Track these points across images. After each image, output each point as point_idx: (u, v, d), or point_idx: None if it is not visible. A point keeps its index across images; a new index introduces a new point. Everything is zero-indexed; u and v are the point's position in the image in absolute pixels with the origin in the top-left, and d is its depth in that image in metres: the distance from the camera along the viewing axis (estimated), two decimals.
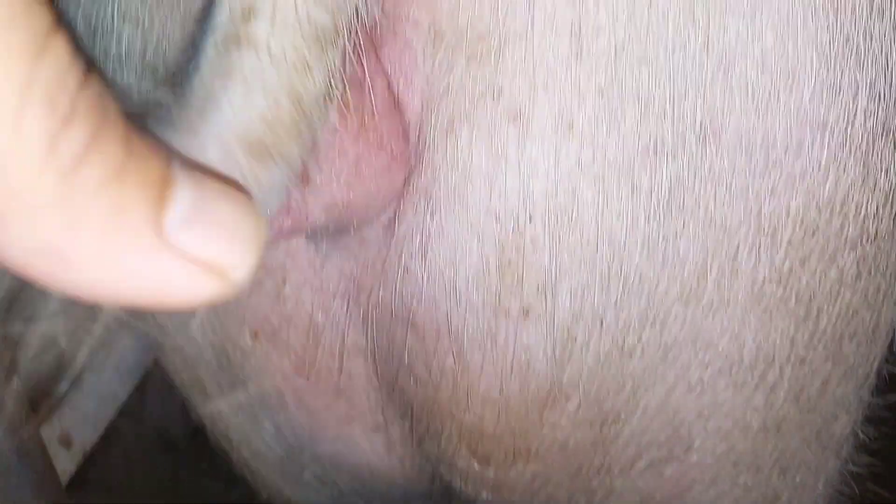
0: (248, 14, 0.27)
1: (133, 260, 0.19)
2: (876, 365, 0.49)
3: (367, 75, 0.39)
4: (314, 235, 0.45)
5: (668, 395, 0.44)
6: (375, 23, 0.39)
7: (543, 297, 0.40)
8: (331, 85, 0.30)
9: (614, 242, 0.38)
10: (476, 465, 0.47)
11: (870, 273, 0.42)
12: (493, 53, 0.38)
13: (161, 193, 0.20)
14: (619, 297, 0.39)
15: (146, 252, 0.19)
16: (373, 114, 0.40)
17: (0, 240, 0.19)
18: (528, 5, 0.37)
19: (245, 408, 0.54)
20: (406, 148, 0.41)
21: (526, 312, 0.40)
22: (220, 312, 0.50)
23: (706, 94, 0.36)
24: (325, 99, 0.31)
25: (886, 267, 0.43)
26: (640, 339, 0.41)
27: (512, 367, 0.42)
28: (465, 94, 0.39)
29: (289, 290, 0.47)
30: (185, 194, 0.21)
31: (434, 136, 0.40)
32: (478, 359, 0.42)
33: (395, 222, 0.42)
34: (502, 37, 0.38)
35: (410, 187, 0.41)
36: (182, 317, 0.51)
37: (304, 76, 0.29)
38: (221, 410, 0.56)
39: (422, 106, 0.40)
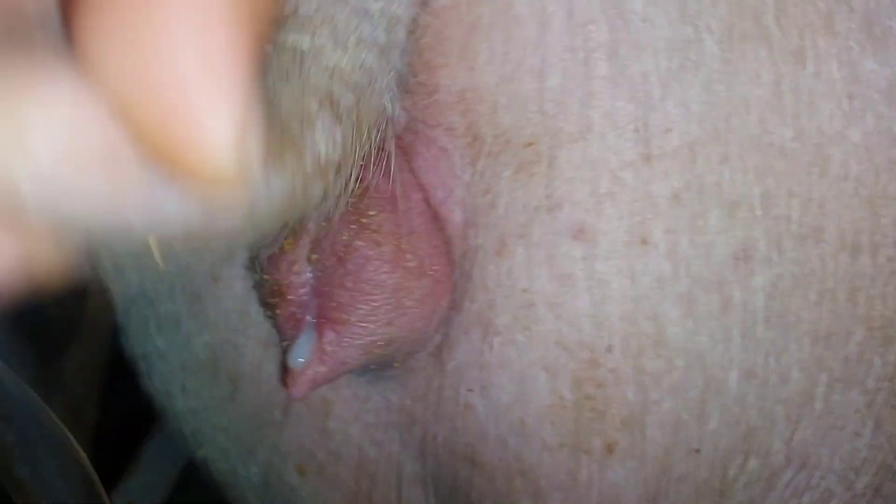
0: None
1: None
2: None
3: (399, 190, 0.35)
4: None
5: None
6: (404, 130, 0.35)
7: (630, 431, 0.35)
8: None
9: (707, 366, 0.33)
10: None
11: None
12: (544, 160, 0.33)
13: None
14: (716, 425, 0.34)
15: None
16: (410, 233, 0.35)
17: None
18: (581, 102, 0.32)
19: None
20: (450, 269, 0.36)
21: (610, 449, 0.35)
22: (261, 446, 0.45)
23: (801, 189, 0.31)
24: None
25: None
26: (742, 469, 0.35)
27: None
28: (516, 207, 0.33)
29: (333, 424, 0.42)
30: None
31: (484, 256, 0.34)
32: (558, 499, 0.37)
33: (445, 350, 0.37)
34: (554, 140, 0.33)
35: (462, 313, 0.35)
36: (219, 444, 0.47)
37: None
38: None
39: (465, 221, 0.35)
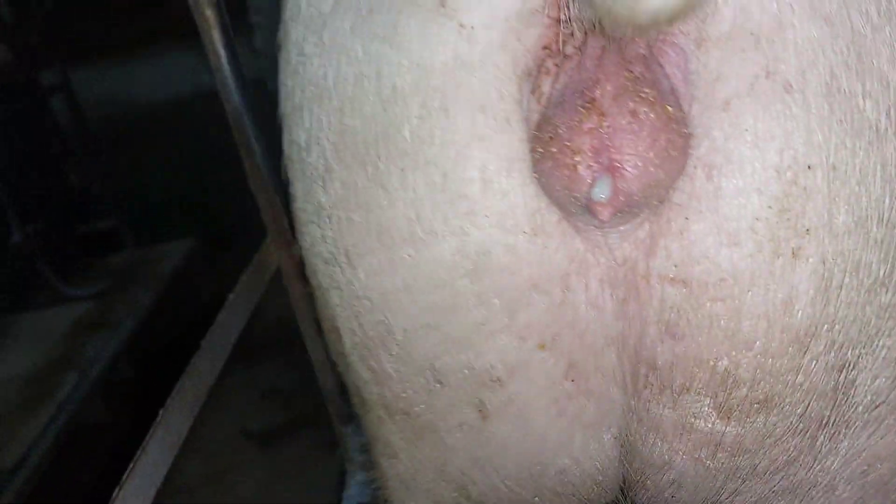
0: None
1: None
2: None
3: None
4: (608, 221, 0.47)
5: None
6: None
7: (817, 237, 0.42)
8: None
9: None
10: (715, 418, 0.49)
11: None
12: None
13: None
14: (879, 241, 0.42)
15: None
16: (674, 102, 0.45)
17: None
18: None
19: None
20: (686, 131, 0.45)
21: (796, 253, 0.43)
22: (498, 329, 0.52)
23: None
24: None
25: None
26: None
27: (778, 308, 0.44)
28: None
29: (571, 296, 0.49)
30: None
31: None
32: (747, 301, 0.44)
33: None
34: None
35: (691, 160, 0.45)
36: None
37: None
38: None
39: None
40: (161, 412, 0.77)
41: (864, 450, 0.51)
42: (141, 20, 4.27)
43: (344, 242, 0.55)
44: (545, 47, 0.45)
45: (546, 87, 0.46)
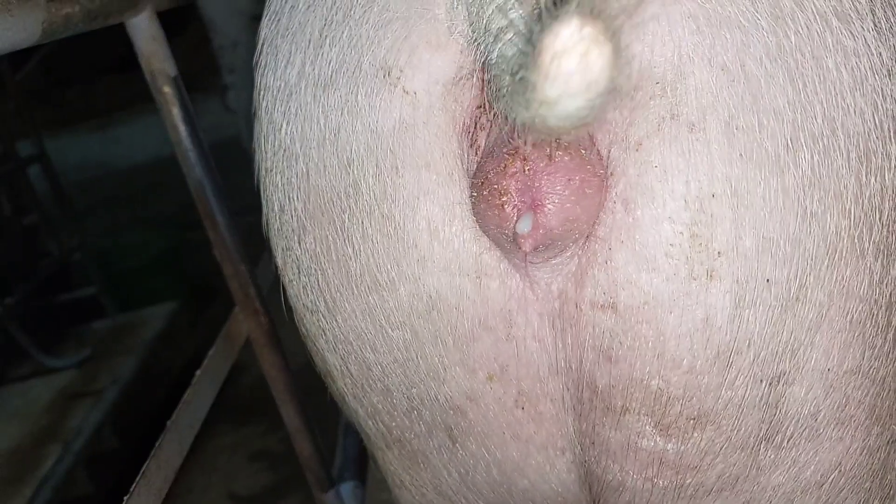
0: None
1: None
2: None
3: None
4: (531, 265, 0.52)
5: (825, 355, 0.51)
6: None
7: (728, 259, 0.48)
8: None
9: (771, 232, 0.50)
10: (657, 437, 0.53)
11: None
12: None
13: None
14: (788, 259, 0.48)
15: None
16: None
17: None
18: None
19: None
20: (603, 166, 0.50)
21: (710, 275, 0.48)
22: (453, 362, 0.57)
23: None
24: None
25: None
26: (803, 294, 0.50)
27: (699, 327, 0.49)
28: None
29: (514, 330, 0.54)
30: None
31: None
32: (670, 322, 0.49)
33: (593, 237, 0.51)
34: None
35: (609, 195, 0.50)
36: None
37: None
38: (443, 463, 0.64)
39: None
40: (125, 500, 0.75)
41: (813, 462, 0.55)
42: (115, 86, 4.30)
43: (322, 293, 0.62)
44: (479, 106, 0.52)
45: (481, 140, 0.52)
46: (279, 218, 0.63)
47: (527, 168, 0.48)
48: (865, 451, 0.56)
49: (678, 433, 0.53)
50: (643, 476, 0.56)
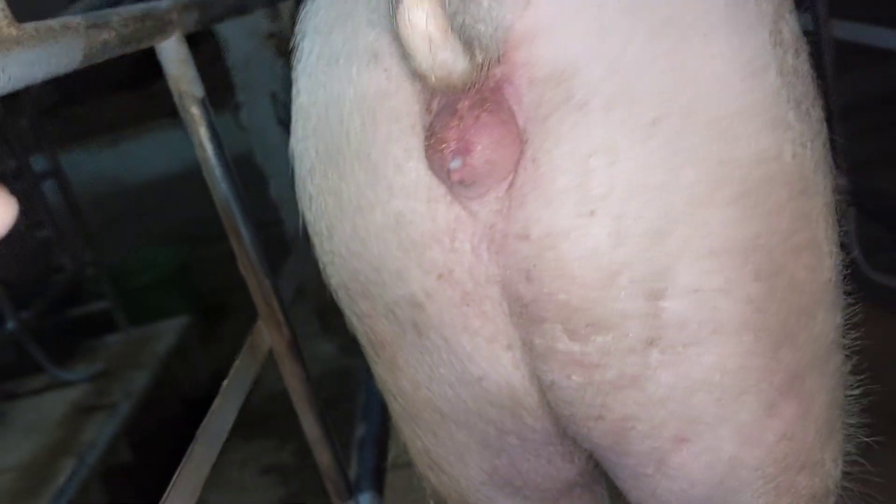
0: None
1: None
2: None
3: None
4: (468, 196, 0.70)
5: (691, 277, 0.67)
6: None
7: (607, 204, 0.65)
8: None
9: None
10: (567, 340, 0.69)
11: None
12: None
13: None
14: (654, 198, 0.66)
15: None
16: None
17: None
18: None
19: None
20: (518, 131, 0.68)
21: (593, 213, 0.66)
22: (412, 265, 0.74)
23: None
24: None
25: None
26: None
27: (589, 252, 0.67)
28: None
29: (457, 244, 0.72)
30: None
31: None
32: (567, 249, 0.67)
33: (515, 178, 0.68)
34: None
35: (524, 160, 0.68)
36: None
37: None
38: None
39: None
40: None
41: (697, 364, 0.69)
42: (129, 100, 4.35)
43: (324, 217, 0.80)
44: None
45: (434, 104, 0.71)
46: (301, 163, 0.82)
47: (461, 125, 0.67)
48: (744, 356, 0.69)
49: (582, 337, 0.69)
50: (563, 374, 0.71)
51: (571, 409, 0.73)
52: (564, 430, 0.78)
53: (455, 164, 0.67)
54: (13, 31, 0.70)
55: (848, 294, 0.78)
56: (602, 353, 0.69)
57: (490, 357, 0.74)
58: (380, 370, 0.86)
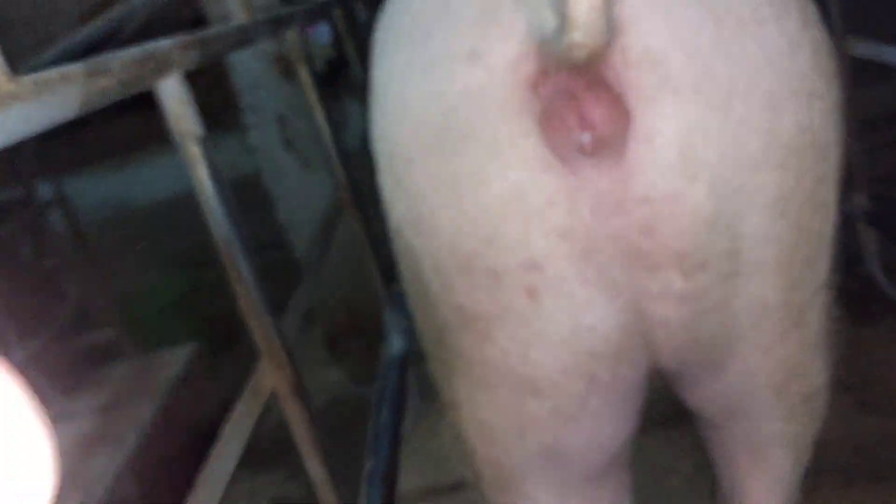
0: None
1: None
2: None
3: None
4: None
5: (754, 229, 0.85)
6: None
7: (709, 172, 0.81)
8: None
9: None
10: (681, 281, 0.84)
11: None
12: None
13: None
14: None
15: None
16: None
17: None
18: None
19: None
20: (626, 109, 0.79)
21: (695, 178, 0.81)
22: (525, 229, 0.84)
23: None
24: None
25: None
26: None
27: (693, 209, 0.82)
28: None
29: (576, 206, 0.81)
30: None
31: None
32: (677, 209, 0.81)
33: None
34: None
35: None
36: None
37: None
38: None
39: None
40: None
41: (759, 291, 0.88)
42: (132, 125, 4.36)
43: (426, 204, 0.87)
44: (539, 70, 0.80)
45: (544, 89, 0.79)
46: (394, 160, 0.90)
47: (583, 104, 0.77)
48: (779, 290, 0.90)
49: (691, 277, 0.84)
50: (675, 308, 0.86)
51: (677, 336, 0.88)
52: (653, 369, 0.94)
53: (584, 137, 0.77)
54: (11, 86, 0.69)
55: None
56: (704, 289, 0.85)
57: (604, 304, 0.85)
58: (465, 344, 0.93)
